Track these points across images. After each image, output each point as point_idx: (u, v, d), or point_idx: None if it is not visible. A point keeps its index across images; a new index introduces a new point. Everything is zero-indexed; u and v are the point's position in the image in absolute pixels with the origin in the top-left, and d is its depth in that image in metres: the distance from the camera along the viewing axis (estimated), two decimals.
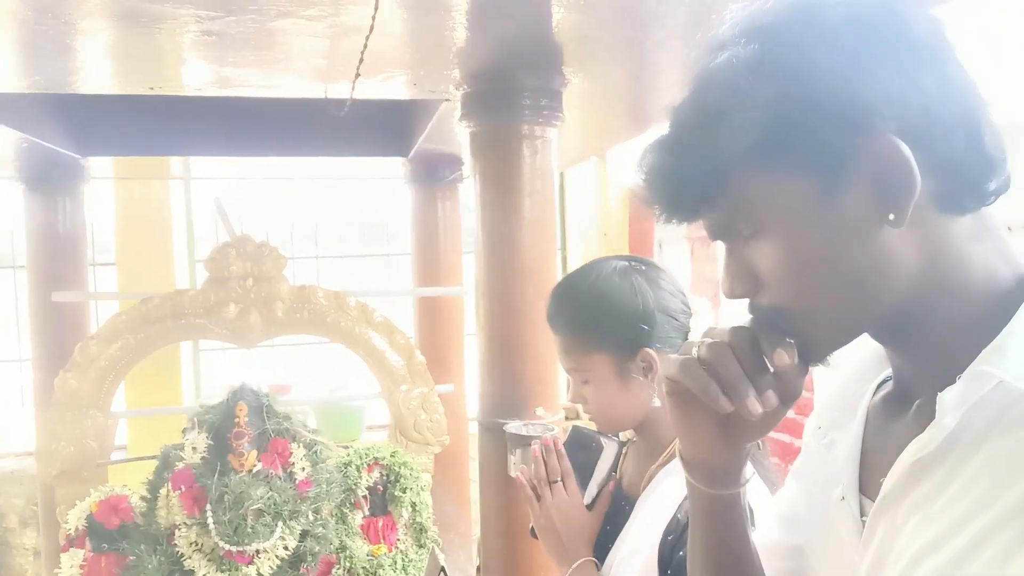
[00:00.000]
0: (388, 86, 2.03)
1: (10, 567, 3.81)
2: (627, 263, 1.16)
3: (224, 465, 2.30)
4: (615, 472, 1.23)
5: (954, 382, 0.59)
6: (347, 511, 2.54)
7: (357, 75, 1.64)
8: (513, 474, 1.55)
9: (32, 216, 2.97)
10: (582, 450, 1.21)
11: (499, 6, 1.47)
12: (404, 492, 2.57)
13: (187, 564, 2.24)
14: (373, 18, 1.35)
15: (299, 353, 4.57)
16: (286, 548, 2.30)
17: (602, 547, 1.14)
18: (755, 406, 0.64)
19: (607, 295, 1.12)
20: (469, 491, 3.31)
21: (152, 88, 2.15)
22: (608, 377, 1.13)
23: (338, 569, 2.45)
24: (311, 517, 2.39)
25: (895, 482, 0.63)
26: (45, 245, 2.97)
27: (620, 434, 1.24)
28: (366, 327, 2.78)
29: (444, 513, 3.10)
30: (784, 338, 0.65)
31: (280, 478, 2.34)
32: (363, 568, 2.46)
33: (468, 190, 1.89)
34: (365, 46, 1.53)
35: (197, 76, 2.04)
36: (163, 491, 2.34)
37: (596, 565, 1.13)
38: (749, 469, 0.80)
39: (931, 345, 0.64)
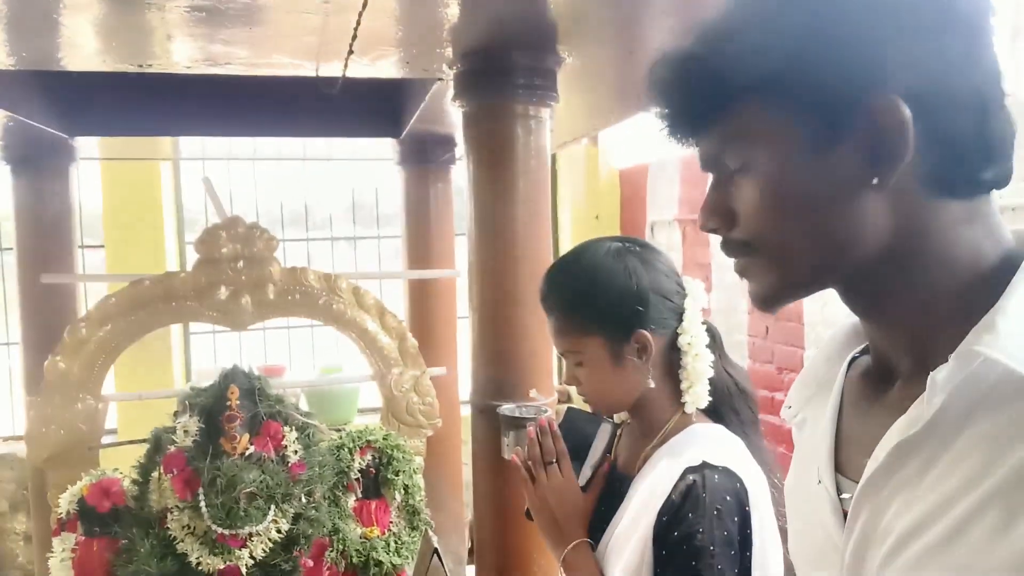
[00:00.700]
0: (380, 65, 2.00)
1: (1, 552, 3.80)
2: (621, 244, 1.15)
3: (216, 448, 2.29)
4: (610, 453, 1.22)
5: (935, 360, 0.58)
6: (340, 494, 2.54)
7: (350, 52, 1.61)
8: (507, 456, 1.55)
9: (19, 197, 2.93)
10: (577, 432, 1.21)
11: None
12: (397, 475, 2.57)
13: (180, 547, 2.23)
14: None
15: (291, 335, 4.55)
16: (279, 531, 2.30)
17: (597, 528, 1.14)
18: None
19: (601, 277, 1.11)
20: (461, 473, 3.31)
21: (141, 66, 2.11)
22: (602, 359, 1.11)
23: (331, 552, 2.45)
24: (304, 500, 2.38)
25: (879, 464, 0.61)
26: (33, 227, 2.93)
27: (615, 415, 1.24)
28: (358, 310, 2.76)
29: (437, 495, 3.10)
30: None
31: (273, 461, 2.33)
32: (356, 550, 2.46)
33: (461, 171, 1.86)
34: (358, 23, 1.51)
35: (186, 54, 2.01)
36: (155, 474, 2.33)
37: (591, 546, 1.13)
38: None
39: (911, 322, 0.64)
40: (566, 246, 4.76)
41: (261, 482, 2.26)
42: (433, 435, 2.85)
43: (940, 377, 0.57)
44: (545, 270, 1.20)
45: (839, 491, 0.68)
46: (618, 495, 1.13)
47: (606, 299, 1.10)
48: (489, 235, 1.81)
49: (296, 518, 2.37)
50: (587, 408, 1.21)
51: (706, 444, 1.07)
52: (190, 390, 2.46)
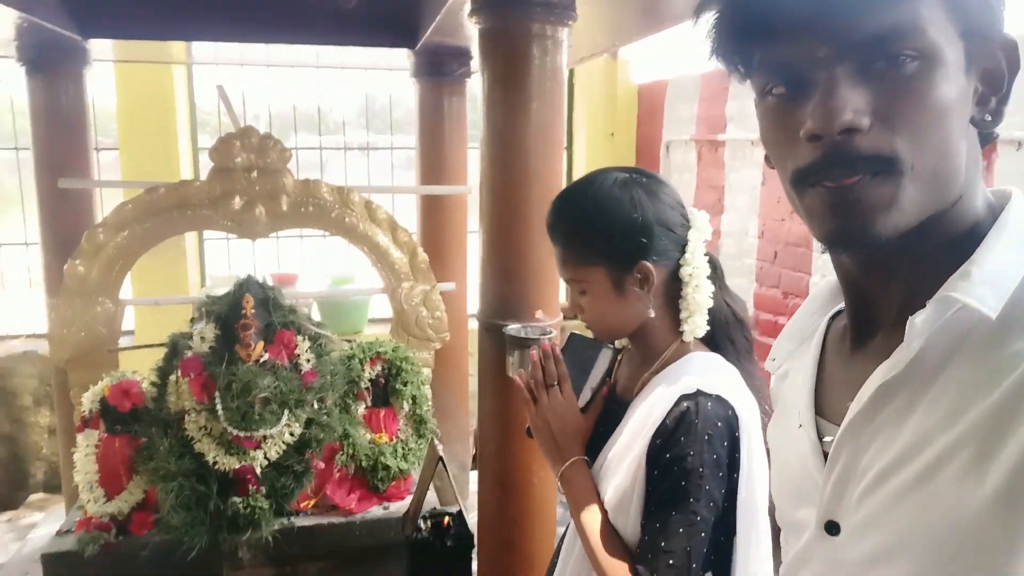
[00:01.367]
0: None
1: (26, 444, 3.97)
2: (628, 175, 1.15)
3: (232, 355, 2.36)
4: (609, 377, 1.26)
5: (917, 309, 0.61)
6: (350, 402, 2.63)
7: None
8: (511, 374, 1.59)
9: (34, 99, 2.91)
10: (578, 356, 1.24)
11: None
12: (405, 385, 2.65)
13: (197, 447, 2.34)
14: None
15: (304, 244, 4.59)
16: (292, 435, 2.40)
17: (594, 447, 1.19)
18: None
19: (606, 207, 1.12)
20: (468, 384, 3.40)
21: None
22: (605, 288, 1.14)
23: (342, 455, 2.56)
24: (316, 406, 2.47)
25: (862, 406, 0.64)
26: (49, 129, 2.92)
27: (616, 342, 1.27)
28: (370, 223, 2.79)
29: (443, 405, 3.20)
30: None
31: (286, 368, 2.41)
32: (365, 455, 2.57)
33: (476, 85, 1.83)
34: None
35: None
36: (172, 378, 2.41)
37: (587, 463, 1.18)
38: None
39: (907, 270, 0.65)
40: (579, 163, 4.71)
41: (275, 388, 2.35)
42: (441, 347, 2.92)
43: (918, 321, 0.60)
44: (555, 195, 1.21)
45: (820, 435, 0.71)
46: (616, 417, 1.17)
47: (610, 230, 1.12)
48: (501, 156, 1.80)
49: (308, 423, 2.46)
50: (589, 334, 1.24)
51: (702, 372, 1.10)
52: (206, 298, 2.52)
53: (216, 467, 2.32)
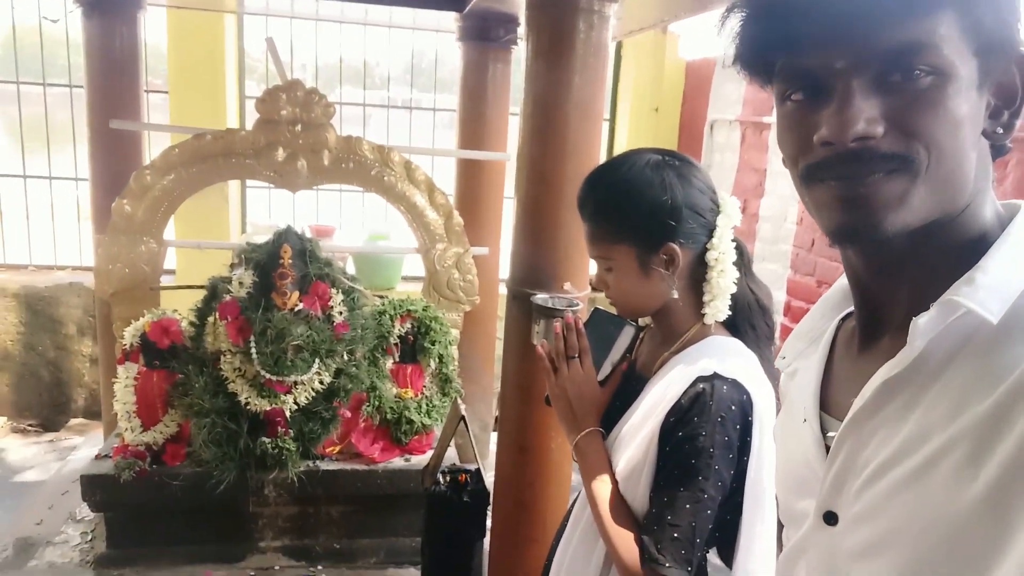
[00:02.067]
0: None
1: (69, 370, 4.14)
2: (661, 157, 1.16)
3: (268, 302, 2.44)
4: (630, 354, 1.29)
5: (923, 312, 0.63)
6: (379, 356, 2.71)
7: None
8: (535, 342, 1.63)
9: (89, 39, 2.98)
10: (601, 330, 1.28)
11: None
12: (433, 344, 2.72)
13: (230, 387, 2.43)
14: None
15: (343, 197, 4.65)
16: (321, 382, 2.48)
17: (610, 420, 1.21)
18: None
19: (637, 188, 1.14)
20: (494, 348, 3.45)
21: None
22: (631, 267, 1.16)
23: (368, 406, 2.65)
24: (346, 357, 2.56)
25: (865, 402, 0.66)
26: (102, 69, 2.99)
27: (638, 319, 1.30)
28: (408, 184, 2.83)
29: (469, 366, 3.26)
30: None
31: (319, 319, 2.49)
32: (391, 408, 2.66)
33: (522, 51, 1.82)
34: None
35: None
36: (210, 319, 2.50)
37: (602, 435, 1.21)
38: None
39: (914, 274, 0.67)
40: (621, 137, 4.69)
41: (308, 336, 2.43)
42: (471, 310, 2.97)
43: (921, 322, 0.62)
44: (589, 172, 1.23)
45: (824, 430, 0.74)
46: (633, 393, 1.20)
47: (639, 211, 1.13)
48: (540, 127, 1.81)
49: (338, 373, 2.55)
50: (613, 310, 1.27)
51: (720, 356, 1.12)
52: (246, 245, 2.59)
53: (248, 407, 2.42)
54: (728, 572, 1.13)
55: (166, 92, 4.10)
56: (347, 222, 4.85)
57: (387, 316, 2.69)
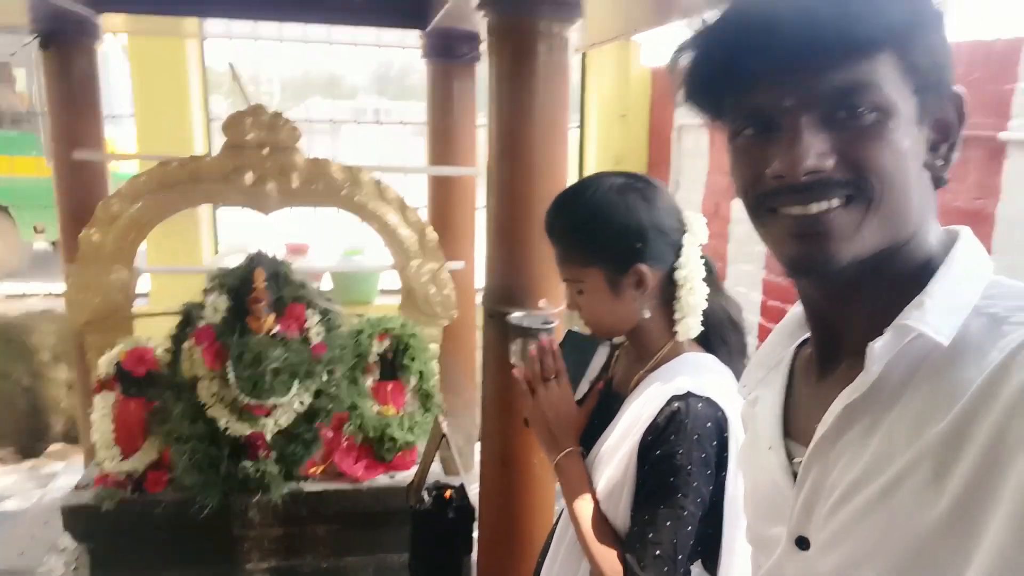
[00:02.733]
0: None
1: (46, 397, 4.09)
2: (624, 180, 1.19)
3: (243, 326, 2.43)
4: (606, 372, 1.32)
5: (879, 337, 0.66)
6: (359, 374, 2.70)
7: None
8: (513, 361, 1.64)
9: (48, 72, 2.94)
10: (576, 351, 1.30)
11: None
12: (412, 360, 2.72)
13: (209, 412, 2.42)
14: None
15: (316, 213, 4.60)
16: (301, 404, 2.47)
17: (588, 439, 1.23)
18: None
19: (603, 212, 1.16)
20: (475, 358, 3.45)
21: None
22: (601, 289, 1.18)
23: (349, 425, 2.64)
24: (325, 378, 2.55)
25: (828, 427, 0.69)
26: (62, 102, 2.94)
27: (612, 339, 1.32)
28: (380, 202, 2.83)
29: (451, 378, 3.26)
30: None
31: (296, 341, 2.48)
32: (373, 426, 2.65)
33: (486, 67, 1.83)
34: None
35: None
36: (186, 345, 2.48)
37: (581, 454, 1.23)
38: None
39: (871, 304, 0.70)
40: (591, 144, 4.72)
41: (285, 359, 2.42)
42: (450, 323, 2.98)
43: (877, 347, 0.65)
44: (559, 189, 1.25)
45: (790, 456, 0.76)
46: (610, 411, 1.22)
47: (606, 234, 1.15)
48: (507, 148, 1.81)
49: (318, 393, 2.53)
50: (587, 331, 1.29)
51: (694, 373, 1.15)
52: (218, 270, 2.58)
53: (228, 432, 2.40)
54: None
55: (132, 116, 4.06)
56: (322, 238, 4.83)
57: (365, 335, 2.69)
